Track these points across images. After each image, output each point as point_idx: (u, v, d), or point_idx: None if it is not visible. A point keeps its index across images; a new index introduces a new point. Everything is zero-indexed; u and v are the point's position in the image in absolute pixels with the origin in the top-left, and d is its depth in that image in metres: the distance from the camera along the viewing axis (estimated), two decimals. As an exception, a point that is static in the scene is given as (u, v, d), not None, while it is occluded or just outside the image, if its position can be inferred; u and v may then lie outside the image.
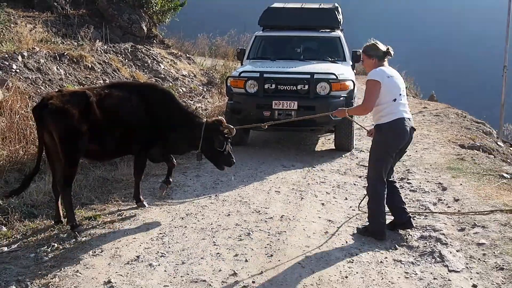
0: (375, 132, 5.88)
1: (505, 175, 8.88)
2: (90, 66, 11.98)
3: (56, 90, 7.33)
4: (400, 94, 5.75)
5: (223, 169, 6.91)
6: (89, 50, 12.71)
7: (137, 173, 6.70)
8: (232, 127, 6.64)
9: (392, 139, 5.75)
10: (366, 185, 6.17)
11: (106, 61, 12.80)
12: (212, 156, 6.70)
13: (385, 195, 5.83)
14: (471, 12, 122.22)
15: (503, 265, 5.24)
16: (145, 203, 6.71)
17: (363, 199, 6.65)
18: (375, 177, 5.82)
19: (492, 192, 7.80)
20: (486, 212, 6.79)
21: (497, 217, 6.60)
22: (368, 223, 5.97)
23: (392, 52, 5.87)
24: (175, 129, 6.53)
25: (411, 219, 6.07)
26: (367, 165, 6.11)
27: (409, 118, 5.79)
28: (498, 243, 5.78)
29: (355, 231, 6.00)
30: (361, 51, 6.10)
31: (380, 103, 5.69)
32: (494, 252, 5.54)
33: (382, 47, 5.86)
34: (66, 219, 5.95)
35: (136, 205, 6.69)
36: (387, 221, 6.03)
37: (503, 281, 4.90)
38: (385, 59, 5.88)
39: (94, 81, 11.58)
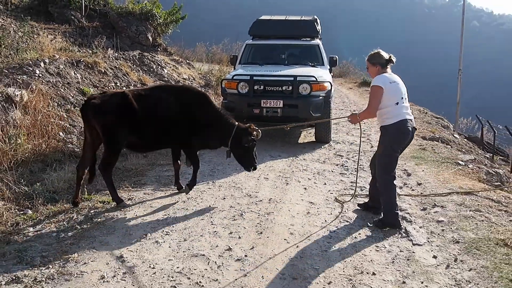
0: (381, 133, 5.72)
1: (460, 162, 8.93)
2: (103, 71, 11.90)
3: (101, 91, 7.51)
4: (402, 98, 5.60)
5: (249, 170, 6.64)
6: (102, 57, 12.63)
7: (194, 164, 6.64)
8: (259, 130, 6.48)
9: (397, 139, 5.62)
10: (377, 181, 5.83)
11: (117, 66, 12.73)
12: (239, 156, 6.54)
13: (395, 187, 5.64)
14: (431, 22, 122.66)
15: (458, 239, 5.29)
16: (188, 190, 6.59)
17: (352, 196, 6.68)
18: (385, 173, 5.61)
19: (449, 177, 7.85)
20: (444, 194, 6.83)
21: (454, 198, 6.65)
22: (382, 216, 5.70)
23: (394, 60, 5.70)
24: (209, 127, 6.42)
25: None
26: (376, 164, 5.77)
27: (411, 119, 5.66)
28: (455, 220, 5.83)
29: (371, 225, 5.69)
30: (365, 59, 5.83)
31: (384, 106, 5.54)
32: (451, 228, 5.58)
33: (385, 55, 5.69)
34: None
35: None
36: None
37: (458, 252, 4.95)
38: (388, 66, 5.71)
39: (107, 83, 11.51)
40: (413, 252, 4.98)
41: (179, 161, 6.81)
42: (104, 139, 5.97)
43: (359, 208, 6.24)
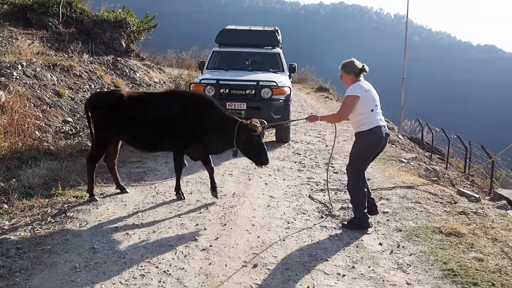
0: (356, 139, 5.38)
1: (403, 160, 9.09)
2: (78, 74, 11.61)
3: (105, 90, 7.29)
4: (376, 105, 5.32)
5: (260, 166, 6.14)
6: (78, 61, 12.33)
7: (175, 169, 6.14)
8: (257, 125, 5.80)
9: (370, 144, 5.31)
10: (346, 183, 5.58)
11: (92, 70, 12.44)
12: (246, 152, 5.94)
13: (365, 189, 5.36)
14: (379, 36, 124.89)
15: (401, 228, 5.38)
16: (183, 196, 6.19)
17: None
18: (355, 176, 5.34)
19: (394, 173, 7.98)
20: (389, 188, 6.94)
21: (397, 192, 6.76)
22: (352, 217, 5.45)
23: (367, 69, 5.38)
24: (214, 131, 5.90)
25: (377, 206, 5.71)
26: (348, 165, 5.45)
27: (384, 126, 5.37)
28: (398, 211, 5.92)
29: (341, 226, 5.39)
30: (340, 68, 5.47)
31: (360, 113, 5.23)
32: (395, 218, 5.67)
33: (359, 65, 5.36)
34: (84, 193, 6.09)
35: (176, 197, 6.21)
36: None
37: (401, 239, 5.04)
38: (361, 75, 5.39)
39: (82, 86, 11.25)
40: (362, 240, 5.03)
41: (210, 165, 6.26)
42: (94, 133, 5.98)
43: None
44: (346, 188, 6.84)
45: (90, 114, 6.01)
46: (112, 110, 5.81)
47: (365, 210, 5.32)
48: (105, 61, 13.88)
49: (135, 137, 6.00)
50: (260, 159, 5.89)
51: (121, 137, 6.03)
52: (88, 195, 5.95)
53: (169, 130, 5.86)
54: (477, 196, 7.66)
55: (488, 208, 6.54)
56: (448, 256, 4.62)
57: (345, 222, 5.44)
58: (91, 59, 13.31)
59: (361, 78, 5.41)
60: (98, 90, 11.60)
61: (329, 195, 6.30)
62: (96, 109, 5.94)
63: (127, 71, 14.49)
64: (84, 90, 11.15)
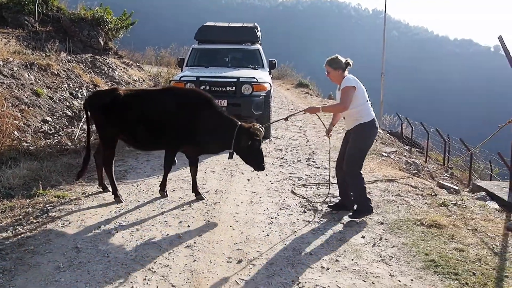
0: (356, 131, 5.40)
1: (384, 154, 9.21)
2: (56, 73, 11.45)
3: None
4: (367, 96, 5.45)
5: (257, 170, 5.86)
6: (55, 59, 12.16)
7: (164, 166, 6.00)
8: (260, 130, 5.62)
9: (372, 135, 5.49)
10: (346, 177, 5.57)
11: (70, 68, 12.29)
12: (245, 156, 5.78)
13: (363, 178, 5.50)
14: (358, 31, 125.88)
15: (383, 221, 5.46)
16: (167, 193, 6.10)
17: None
18: (357, 168, 5.42)
19: (375, 166, 8.08)
20: (371, 182, 7.02)
21: (379, 185, 6.85)
22: (356, 207, 5.51)
23: (351, 63, 5.45)
24: (211, 132, 5.73)
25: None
26: (347, 159, 5.45)
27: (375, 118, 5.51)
28: (380, 204, 6.00)
29: (345, 221, 5.42)
30: (325, 64, 5.45)
31: (358, 105, 5.31)
32: (376, 211, 5.74)
33: (343, 59, 5.42)
34: (66, 193, 6.06)
35: (159, 194, 6.13)
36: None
37: (383, 232, 5.12)
38: (346, 70, 5.45)
39: (60, 85, 11.10)
40: (344, 233, 5.09)
41: (196, 167, 6.18)
42: (99, 134, 5.99)
43: (331, 209, 5.81)
44: (327, 183, 6.93)
45: (89, 114, 5.99)
46: (110, 109, 5.74)
47: (367, 197, 5.52)
48: (83, 60, 13.74)
49: (133, 135, 5.90)
50: (258, 164, 5.74)
51: (121, 135, 5.95)
52: (114, 196, 5.93)
53: (164, 128, 5.74)
54: (456, 188, 7.81)
55: (467, 199, 6.67)
56: (430, 247, 4.72)
57: (350, 214, 5.49)
58: (69, 57, 13.15)
59: (346, 72, 5.46)
60: (76, 88, 11.48)
61: (329, 189, 6.37)
62: (95, 109, 5.89)
63: (105, 69, 14.35)
64: (62, 89, 11.01)
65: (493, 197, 6.90)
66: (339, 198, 5.95)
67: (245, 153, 5.73)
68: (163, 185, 6.13)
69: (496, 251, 4.72)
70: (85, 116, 6.22)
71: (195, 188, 6.15)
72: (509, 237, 5.12)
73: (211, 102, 5.82)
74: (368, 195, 5.58)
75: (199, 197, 6.12)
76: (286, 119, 6.22)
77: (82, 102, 7.35)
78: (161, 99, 5.90)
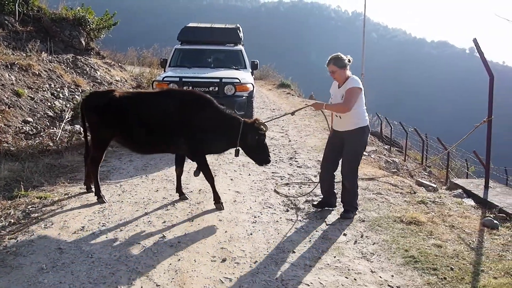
0: (356, 134, 5.32)
1: (365, 153, 9.26)
2: (37, 73, 11.29)
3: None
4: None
5: (261, 165, 5.99)
6: (36, 60, 11.97)
7: (207, 179, 5.79)
8: (265, 123, 5.65)
9: (366, 140, 5.53)
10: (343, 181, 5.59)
11: (51, 69, 12.12)
12: (250, 152, 5.77)
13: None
14: (338, 33, 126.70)
15: (364, 218, 5.52)
16: (223, 205, 5.74)
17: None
18: (354, 172, 5.50)
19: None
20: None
21: (359, 184, 6.85)
22: (348, 206, 5.55)
23: (352, 60, 5.32)
24: (215, 131, 5.63)
25: (336, 199, 5.84)
26: (348, 161, 5.46)
27: None
28: (360, 202, 6.05)
29: (330, 221, 5.39)
30: (330, 64, 5.26)
31: (360, 106, 5.26)
32: (358, 209, 5.78)
33: (345, 57, 5.28)
34: (48, 193, 5.97)
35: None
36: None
37: (364, 229, 5.17)
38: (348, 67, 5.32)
39: (41, 85, 10.95)
40: (327, 231, 5.13)
41: (182, 167, 6.09)
42: (90, 134, 5.91)
43: (315, 208, 5.79)
44: (309, 182, 6.97)
45: (85, 116, 5.92)
46: (106, 111, 5.65)
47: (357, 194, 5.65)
48: (64, 60, 13.56)
49: (129, 138, 5.79)
50: (264, 158, 5.78)
51: (116, 138, 5.86)
52: (96, 197, 5.86)
53: (164, 131, 5.62)
54: (434, 186, 7.92)
55: (445, 197, 6.77)
56: (409, 243, 4.78)
57: (344, 214, 5.51)
58: (50, 57, 12.97)
59: (349, 71, 5.36)
60: (58, 89, 11.33)
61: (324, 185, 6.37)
62: (90, 110, 5.81)
63: (87, 69, 14.19)
64: (43, 89, 10.86)
65: (469, 194, 7.02)
66: (321, 196, 5.97)
67: (251, 148, 5.72)
68: (216, 197, 5.80)
69: (472, 246, 4.81)
70: (81, 117, 6.10)
71: (179, 188, 6.12)
72: (485, 232, 5.22)
73: (212, 102, 5.72)
74: None
75: (183, 197, 6.08)
76: (293, 113, 6.30)
77: (79, 103, 7.21)
78: (161, 100, 5.76)
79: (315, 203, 5.91)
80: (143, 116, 5.62)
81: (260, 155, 5.77)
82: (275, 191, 6.58)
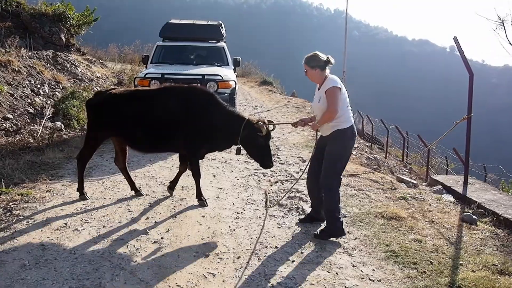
0: (335, 137, 4.82)
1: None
2: (17, 69, 11.15)
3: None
4: (348, 102, 4.92)
5: (265, 168, 5.73)
6: (16, 56, 11.82)
7: (193, 175, 5.75)
8: (263, 126, 5.37)
9: (352, 142, 4.95)
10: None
11: (31, 65, 11.98)
12: (250, 153, 5.63)
13: (339, 195, 4.95)
14: (320, 30, 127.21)
15: (346, 214, 5.60)
16: (206, 202, 5.79)
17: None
18: (335, 179, 4.86)
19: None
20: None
21: (341, 180, 6.98)
22: (326, 225, 4.96)
23: (332, 61, 4.85)
24: (217, 128, 5.49)
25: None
26: (324, 169, 4.88)
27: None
28: (343, 199, 6.11)
29: (314, 237, 4.87)
30: (303, 62, 4.92)
31: (339, 109, 4.73)
32: (340, 205, 5.84)
33: (323, 57, 4.84)
34: (29, 191, 5.92)
35: (126, 192, 6.08)
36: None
37: (346, 225, 5.23)
38: (327, 68, 4.88)
39: (21, 81, 10.82)
40: (309, 227, 5.18)
41: (186, 165, 5.97)
42: (86, 132, 5.93)
43: (301, 223, 5.30)
44: (291, 178, 7.03)
45: (87, 114, 5.94)
46: (102, 110, 5.61)
47: (340, 216, 4.88)
48: (44, 56, 13.40)
49: (130, 137, 5.69)
50: (264, 162, 5.53)
51: (117, 137, 5.81)
52: (78, 194, 5.84)
53: (167, 129, 5.52)
54: (415, 182, 8.06)
55: (425, 193, 6.90)
56: (390, 238, 4.87)
57: (317, 232, 4.91)
58: (30, 54, 12.81)
59: (327, 71, 4.91)
60: (38, 85, 11.21)
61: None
62: (89, 109, 5.82)
63: (68, 66, 14.05)
64: (23, 85, 10.73)
65: (449, 190, 7.15)
66: (303, 194, 6.03)
67: (251, 149, 5.57)
68: (199, 194, 5.83)
69: (451, 241, 4.92)
70: (87, 118, 6.06)
71: (173, 183, 6.13)
72: (464, 227, 5.35)
73: (214, 98, 5.62)
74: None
75: (170, 192, 6.09)
76: (294, 124, 5.50)
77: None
78: (161, 97, 5.65)
79: (301, 217, 5.42)
80: (143, 114, 5.54)
81: (260, 157, 5.54)
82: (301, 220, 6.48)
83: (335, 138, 4.83)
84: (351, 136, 4.87)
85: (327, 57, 4.85)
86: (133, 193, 6.09)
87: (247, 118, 5.51)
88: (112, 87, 6.64)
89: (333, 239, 4.86)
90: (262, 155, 5.50)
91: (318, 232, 4.90)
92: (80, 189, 5.84)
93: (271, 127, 5.48)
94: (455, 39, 6.89)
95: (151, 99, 5.67)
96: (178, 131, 5.51)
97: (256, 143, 5.43)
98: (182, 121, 5.47)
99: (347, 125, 4.81)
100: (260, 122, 5.40)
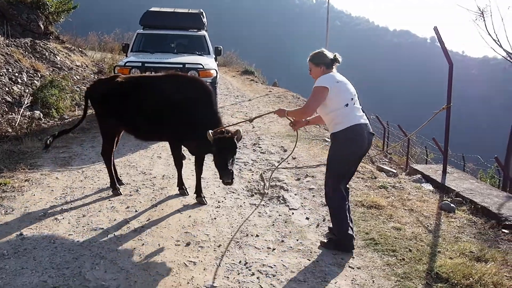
0: (332, 141, 4.48)
1: (327, 139, 9.43)
2: (-7, 57, 10.93)
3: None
4: (352, 99, 4.37)
5: (224, 183, 4.76)
6: (-8, 43, 11.59)
7: (175, 164, 5.63)
8: (209, 134, 4.66)
9: (349, 147, 4.31)
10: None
11: (8, 53, 11.73)
12: (215, 163, 4.88)
13: (345, 204, 4.40)
14: (301, 20, 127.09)
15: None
16: (187, 191, 5.71)
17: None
18: (333, 188, 4.40)
19: (318, 151, 8.28)
20: (314, 166, 7.20)
21: (322, 169, 7.02)
22: (336, 237, 4.49)
23: (340, 59, 4.50)
24: (198, 124, 5.02)
25: (352, 229, 4.51)
26: (326, 175, 4.53)
27: (366, 124, 4.40)
28: (323, 188, 6.11)
29: (320, 245, 4.50)
30: (308, 60, 4.54)
31: (332, 109, 4.31)
32: (320, 194, 5.91)
33: (329, 55, 4.49)
34: (8, 180, 5.82)
35: (111, 191, 5.74)
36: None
37: (326, 213, 5.26)
38: (334, 66, 4.51)
39: (-2, 69, 10.60)
40: (290, 215, 5.23)
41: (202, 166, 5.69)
42: (99, 125, 5.80)
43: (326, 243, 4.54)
44: (272, 167, 7.05)
45: (90, 105, 5.77)
46: (108, 98, 5.45)
47: (348, 229, 4.37)
48: (22, 44, 13.14)
49: (133, 125, 5.53)
50: (220, 174, 4.79)
51: (122, 126, 5.66)
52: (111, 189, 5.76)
53: (163, 118, 5.29)
54: (394, 171, 8.16)
55: (404, 182, 7.00)
56: (370, 226, 4.94)
57: (324, 241, 4.54)
58: (7, 41, 12.54)
59: (334, 70, 4.52)
60: (16, 74, 11.00)
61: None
62: (93, 99, 5.66)
63: (46, 54, 13.80)
64: (1, 74, 10.51)
65: (428, 179, 7.28)
66: (284, 183, 6.06)
67: (216, 161, 4.87)
68: (180, 183, 5.79)
69: (430, 229, 5.01)
70: (84, 107, 5.94)
71: (198, 189, 5.63)
72: (442, 216, 5.45)
73: (211, 96, 5.34)
74: (310, 178, 4.98)
75: (199, 200, 5.55)
76: (251, 120, 5.55)
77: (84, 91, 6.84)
78: (162, 85, 5.46)
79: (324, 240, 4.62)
80: (142, 101, 5.36)
81: (217, 168, 4.83)
82: (260, 176, 6.51)
83: (332, 142, 4.49)
84: (349, 138, 4.30)
85: (334, 55, 4.51)
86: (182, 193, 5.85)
87: (220, 125, 5.03)
88: (113, 74, 6.30)
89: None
90: (218, 166, 4.81)
91: (326, 241, 4.54)
92: (113, 184, 5.74)
93: (237, 135, 4.79)
94: (435, 29, 6.96)
95: (152, 85, 5.49)
96: (171, 121, 5.27)
97: (213, 151, 4.82)
98: (173, 109, 5.23)
99: (342, 127, 4.29)
100: (210, 131, 4.71)
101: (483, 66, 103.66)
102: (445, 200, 6.01)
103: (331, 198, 4.42)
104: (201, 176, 5.71)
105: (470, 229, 5.11)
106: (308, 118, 4.89)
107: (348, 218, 4.39)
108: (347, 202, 4.45)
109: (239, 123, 6.88)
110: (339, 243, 4.42)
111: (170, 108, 5.24)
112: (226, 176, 4.65)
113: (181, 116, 5.21)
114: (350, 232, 4.37)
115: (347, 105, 4.31)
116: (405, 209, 5.59)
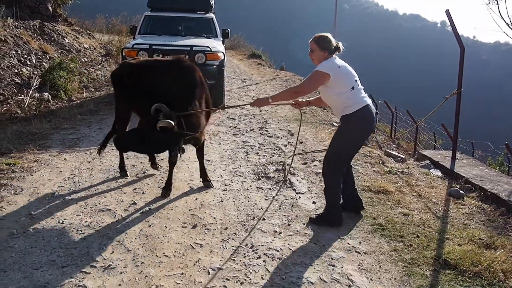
0: (342, 124, 4.46)
1: (334, 123, 9.40)
2: (3, 39, 10.92)
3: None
4: (356, 81, 4.39)
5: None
6: (2, 25, 11.56)
7: (198, 157, 5.55)
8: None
9: (362, 128, 4.43)
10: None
11: (17, 35, 11.73)
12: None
13: (341, 180, 4.55)
14: (309, 3, 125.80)
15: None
16: (211, 183, 5.52)
17: None
18: (336, 169, 4.49)
19: (325, 136, 8.25)
20: (321, 150, 7.16)
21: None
22: (324, 211, 4.65)
23: (341, 48, 4.46)
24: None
25: (362, 202, 4.93)
26: (330, 154, 4.52)
27: (370, 104, 4.45)
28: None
29: (309, 221, 4.62)
30: (312, 41, 4.44)
31: (338, 93, 4.32)
32: (338, 192, 5.86)
33: (334, 42, 4.44)
34: (17, 160, 5.84)
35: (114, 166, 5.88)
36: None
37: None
38: (334, 54, 4.47)
39: (8, 51, 10.60)
40: (296, 199, 5.22)
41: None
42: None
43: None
44: (279, 151, 7.04)
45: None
46: (121, 82, 5.34)
47: (338, 204, 4.58)
48: (31, 26, 13.12)
49: (143, 109, 5.17)
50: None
51: (133, 110, 5.46)
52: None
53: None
54: (402, 157, 8.12)
55: (413, 167, 6.97)
56: (377, 212, 4.92)
57: (313, 217, 4.66)
58: (16, 23, 12.53)
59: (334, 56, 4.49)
60: (25, 55, 11.01)
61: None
62: (112, 82, 5.59)
63: (55, 36, 13.80)
64: (10, 55, 10.53)
65: (436, 165, 7.23)
66: (291, 166, 6.04)
67: None
68: (204, 174, 5.55)
69: (438, 215, 4.99)
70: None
71: (203, 174, 5.58)
72: (451, 202, 5.42)
73: (203, 86, 5.24)
74: (317, 163, 5.13)
75: (206, 184, 5.53)
76: (223, 108, 5.65)
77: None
78: (170, 69, 5.18)
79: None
80: (149, 86, 5.09)
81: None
82: (283, 163, 6.42)
83: (343, 124, 4.47)
84: (362, 119, 4.37)
85: (337, 43, 4.46)
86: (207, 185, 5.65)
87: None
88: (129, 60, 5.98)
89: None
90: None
91: (314, 217, 4.66)
92: (121, 165, 5.74)
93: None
94: (447, 12, 6.85)
95: (161, 70, 5.21)
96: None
97: None
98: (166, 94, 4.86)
99: (354, 109, 4.32)
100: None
101: (494, 52, 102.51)
102: (454, 187, 5.97)
103: (331, 178, 4.52)
104: (203, 160, 5.58)
105: (479, 216, 5.08)
106: (309, 99, 5.00)
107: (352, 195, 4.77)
108: (350, 180, 4.73)
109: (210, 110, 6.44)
110: (329, 218, 4.55)
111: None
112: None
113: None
114: (339, 207, 4.57)
115: (353, 88, 4.35)
116: (413, 195, 5.57)
